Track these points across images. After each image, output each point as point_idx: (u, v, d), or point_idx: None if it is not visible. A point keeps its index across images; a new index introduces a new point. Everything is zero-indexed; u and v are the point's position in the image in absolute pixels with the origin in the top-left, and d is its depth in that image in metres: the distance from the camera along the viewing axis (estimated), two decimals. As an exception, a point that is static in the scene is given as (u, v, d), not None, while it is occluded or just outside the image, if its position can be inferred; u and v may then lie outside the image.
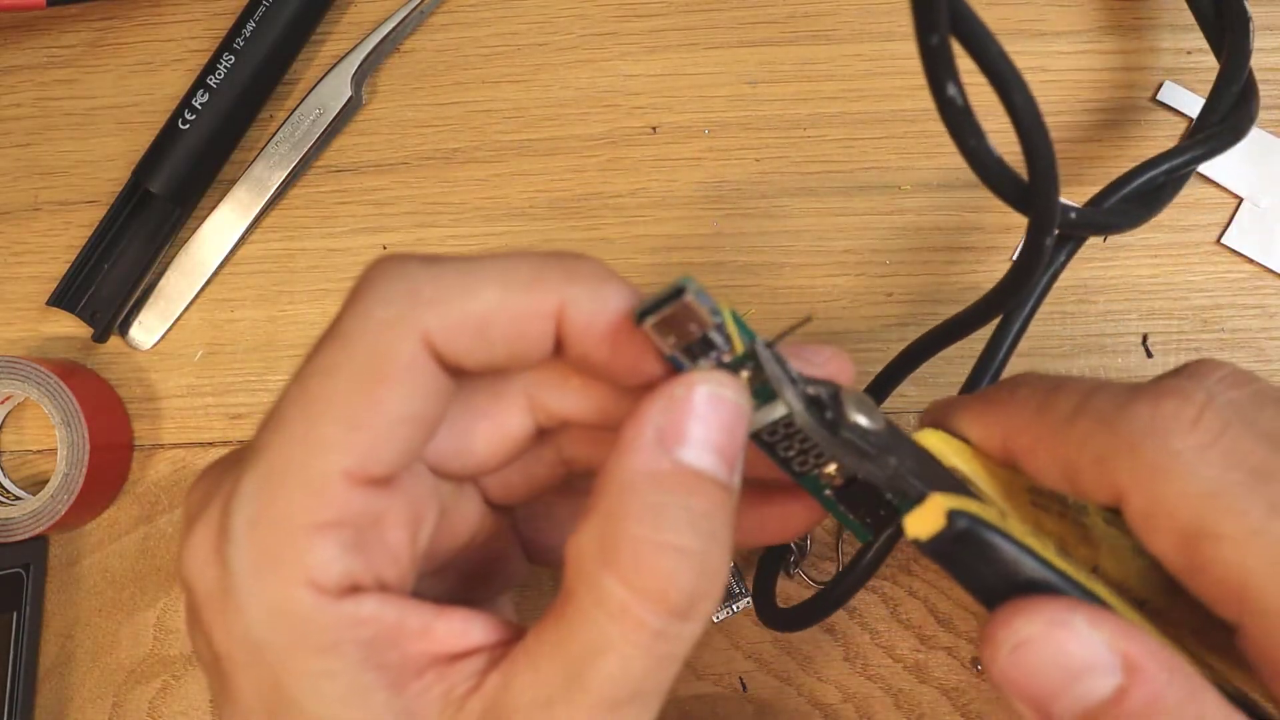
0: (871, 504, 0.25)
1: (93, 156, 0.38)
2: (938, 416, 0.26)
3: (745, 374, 0.22)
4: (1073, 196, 0.36)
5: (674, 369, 0.22)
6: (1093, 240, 0.36)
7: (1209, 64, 0.36)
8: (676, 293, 0.20)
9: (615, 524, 0.20)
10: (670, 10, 0.38)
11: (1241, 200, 0.36)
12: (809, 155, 0.37)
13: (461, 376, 0.22)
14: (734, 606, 0.36)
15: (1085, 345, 0.36)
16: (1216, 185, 0.36)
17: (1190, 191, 0.36)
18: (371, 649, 0.20)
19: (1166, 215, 0.36)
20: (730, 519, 0.21)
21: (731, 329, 0.22)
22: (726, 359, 0.22)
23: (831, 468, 0.24)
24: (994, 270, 0.37)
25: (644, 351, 0.22)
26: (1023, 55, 0.37)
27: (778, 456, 0.23)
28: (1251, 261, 0.36)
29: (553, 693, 0.20)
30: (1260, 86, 0.36)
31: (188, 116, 0.36)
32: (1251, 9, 0.36)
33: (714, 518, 0.21)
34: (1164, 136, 0.37)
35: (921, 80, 0.37)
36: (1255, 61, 0.36)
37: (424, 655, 0.21)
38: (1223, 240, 0.36)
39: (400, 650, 0.21)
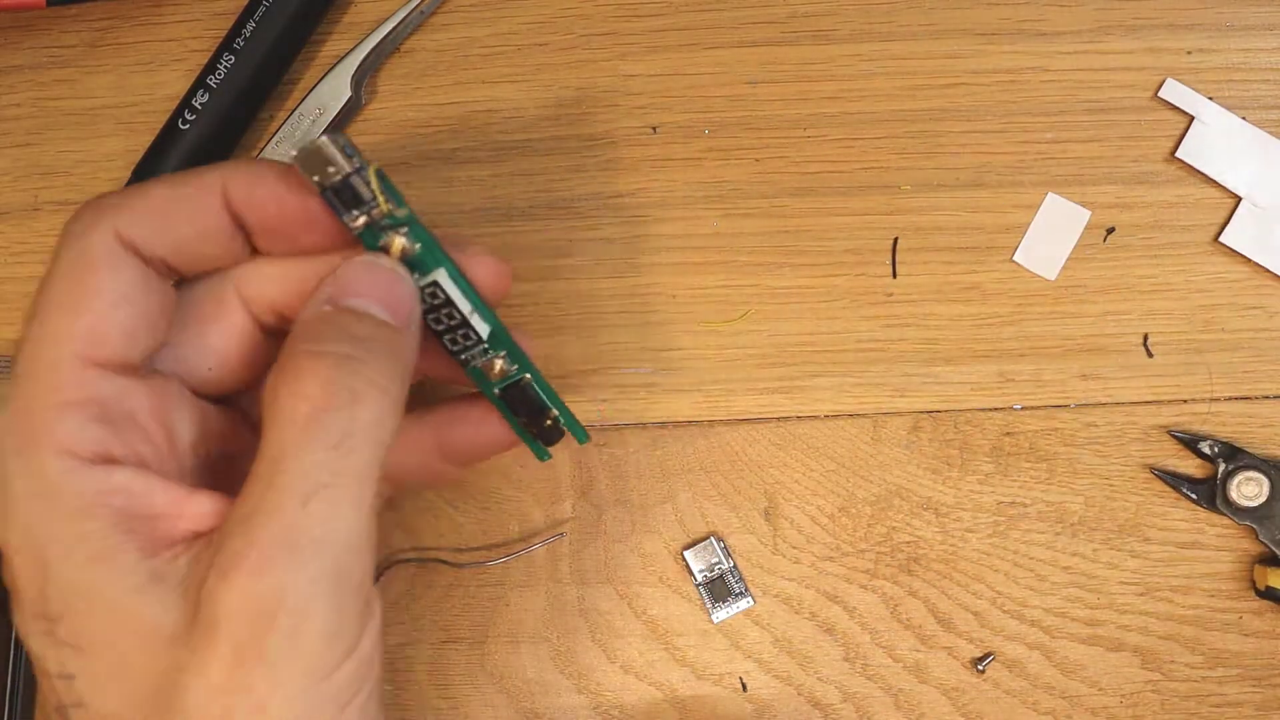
0: (534, 410, 0.30)
1: (93, 156, 0.38)
2: None
3: (401, 239, 0.27)
4: (1072, 197, 0.37)
5: (339, 223, 0.26)
6: (1093, 239, 0.37)
7: (1209, 64, 0.36)
8: (320, 139, 0.25)
9: (285, 353, 0.24)
10: (670, 10, 0.38)
11: (1240, 199, 0.36)
12: (809, 155, 0.37)
13: (173, 278, 0.26)
14: (734, 607, 0.36)
15: (1085, 345, 0.36)
16: (1216, 184, 0.36)
17: (1190, 191, 0.36)
18: (123, 516, 0.23)
19: (1167, 215, 0.36)
20: (392, 345, 0.25)
21: (375, 184, 0.26)
22: (377, 215, 0.26)
23: (498, 364, 0.29)
24: (994, 270, 0.37)
25: (307, 209, 0.26)
26: (1023, 55, 0.37)
27: (444, 344, 0.28)
28: (1250, 262, 0.36)
29: (249, 507, 0.23)
30: (1260, 86, 0.36)
31: (188, 116, 0.36)
32: (1252, 9, 0.36)
33: (369, 340, 0.24)
34: (1164, 136, 0.37)
35: (921, 80, 0.37)
36: (1255, 61, 0.36)
37: (175, 530, 0.24)
38: (1220, 239, 0.36)
39: (152, 522, 0.23)
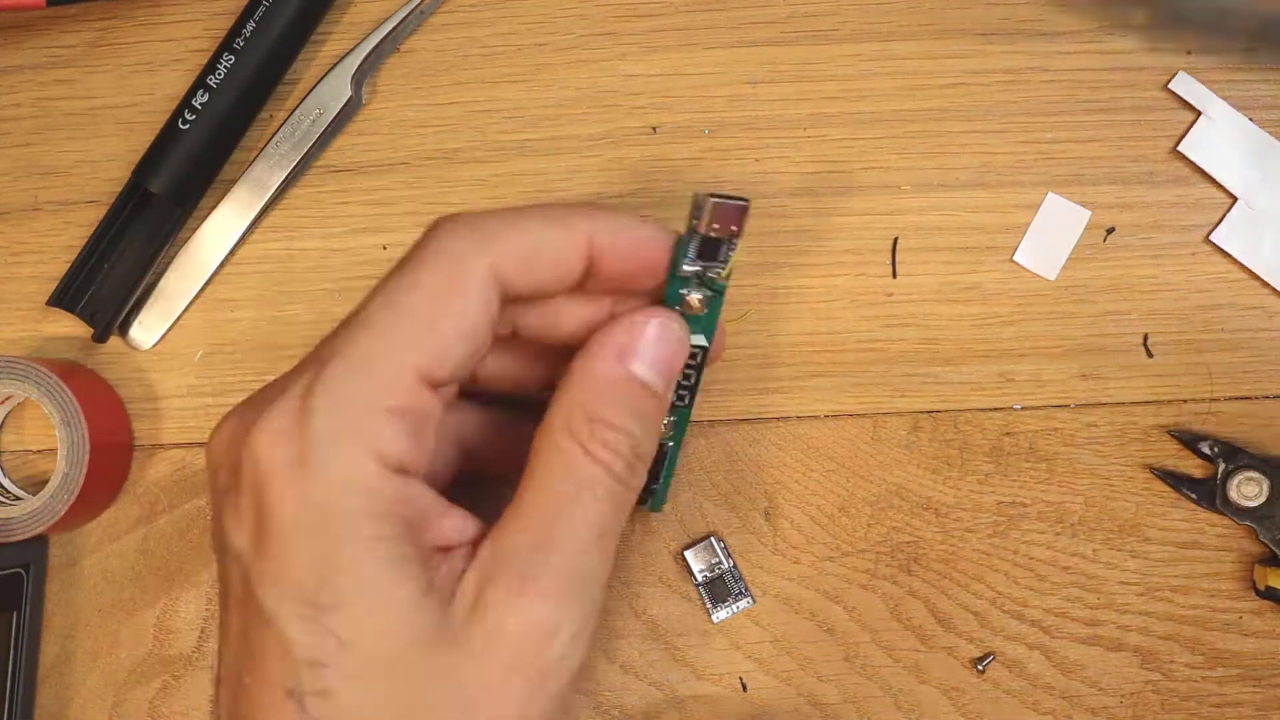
0: (653, 473, 0.32)
1: (93, 156, 0.38)
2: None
3: (698, 298, 0.29)
4: (1072, 197, 0.37)
5: (676, 281, 0.29)
6: (1093, 239, 0.37)
7: (1208, 64, 0.36)
8: (743, 200, 0.28)
9: (582, 407, 0.26)
10: (670, 10, 0.38)
11: (1236, 200, 0.36)
12: (809, 155, 0.37)
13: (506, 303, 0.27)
14: (734, 607, 0.36)
15: (1085, 345, 0.36)
16: (1217, 184, 0.36)
17: (1191, 191, 0.37)
18: (410, 526, 0.24)
19: (1167, 215, 0.36)
20: (659, 420, 0.28)
21: (733, 258, 0.29)
22: (713, 276, 0.29)
23: (663, 424, 0.31)
24: (994, 270, 0.37)
25: (658, 259, 0.28)
26: (1023, 55, 0.37)
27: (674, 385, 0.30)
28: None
29: (538, 538, 0.25)
30: (1261, 86, 0.36)
31: (188, 116, 0.36)
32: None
33: (649, 417, 0.27)
34: (1164, 137, 0.37)
35: (921, 80, 0.37)
36: (1255, 61, 0.36)
37: (436, 542, 0.25)
38: (1211, 237, 0.36)
39: (426, 534, 0.25)
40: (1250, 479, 0.35)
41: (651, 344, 0.28)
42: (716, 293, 0.30)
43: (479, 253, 0.26)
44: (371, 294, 0.26)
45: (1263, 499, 0.35)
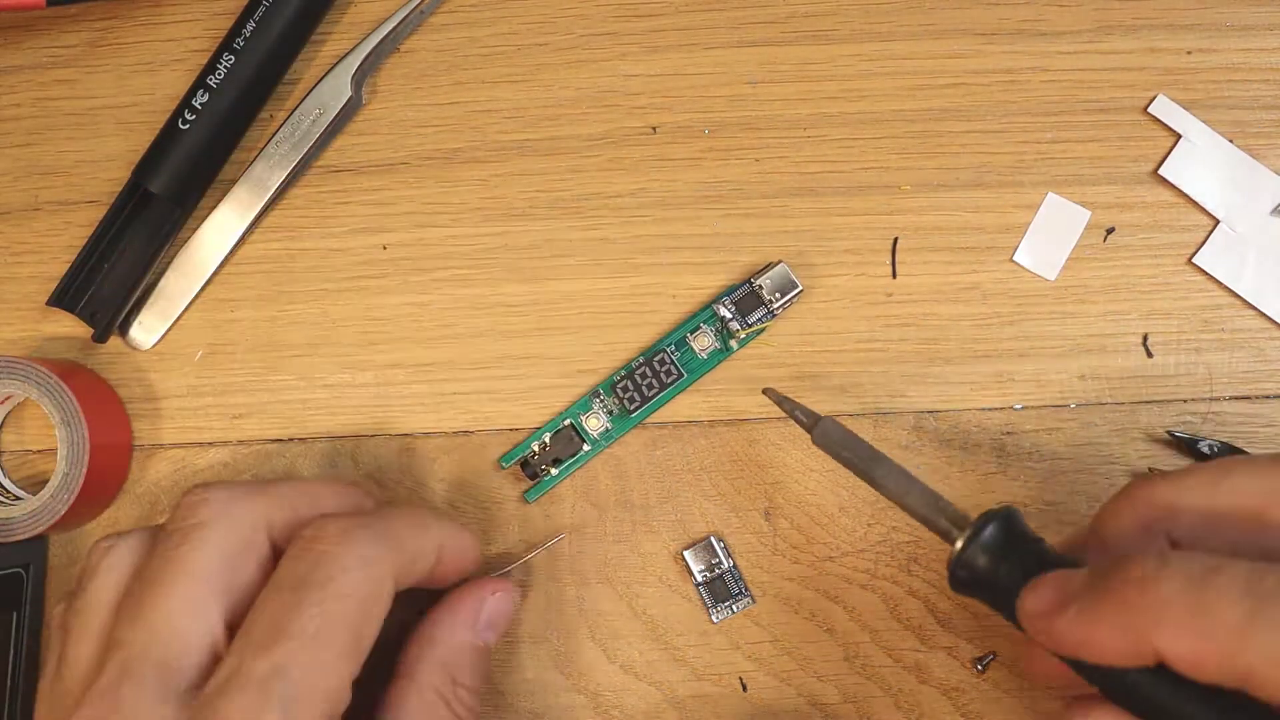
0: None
1: (93, 156, 0.38)
2: (1045, 623, 0.26)
3: (707, 346, 0.36)
4: (1072, 197, 0.37)
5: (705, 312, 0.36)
6: (1092, 239, 0.37)
7: (1209, 64, 0.37)
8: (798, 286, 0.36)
9: (446, 670, 0.31)
10: (670, 10, 0.38)
11: (1218, 222, 0.36)
12: (809, 155, 0.37)
13: None
14: (734, 606, 0.36)
15: (1085, 345, 0.36)
16: (1182, 208, 0.36)
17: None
18: None
19: (1167, 215, 0.36)
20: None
21: (758, 329, 0.36)
22: (736, 331, 0.36)
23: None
24: (994, 270, 0.37)
25: (470, 570, 0.33)
26: (1023, 55, 0.37)
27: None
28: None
29: None
30: (1260, 87, 0.36)
31: (188, 116, 0.36)
32: (1251, 9, 0.36)
33: (488, 672, 0.34)
34: (1164, 137, 0.37)
35: (921, 80, 0.37)
36: (1255, 61, 0.36)
37: None
38: (1194, 260, 0.36)
39: None
40: None
41: (497, 615, 0.33)
42: (722, 349, 0.35)
43: (387, 565, 0.28)
44: (287, 601, 0.27)
45: None
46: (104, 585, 0.28)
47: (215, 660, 0.27)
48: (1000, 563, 0.27)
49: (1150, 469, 0.36)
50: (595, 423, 0.36)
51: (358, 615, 0.27)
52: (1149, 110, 0.37)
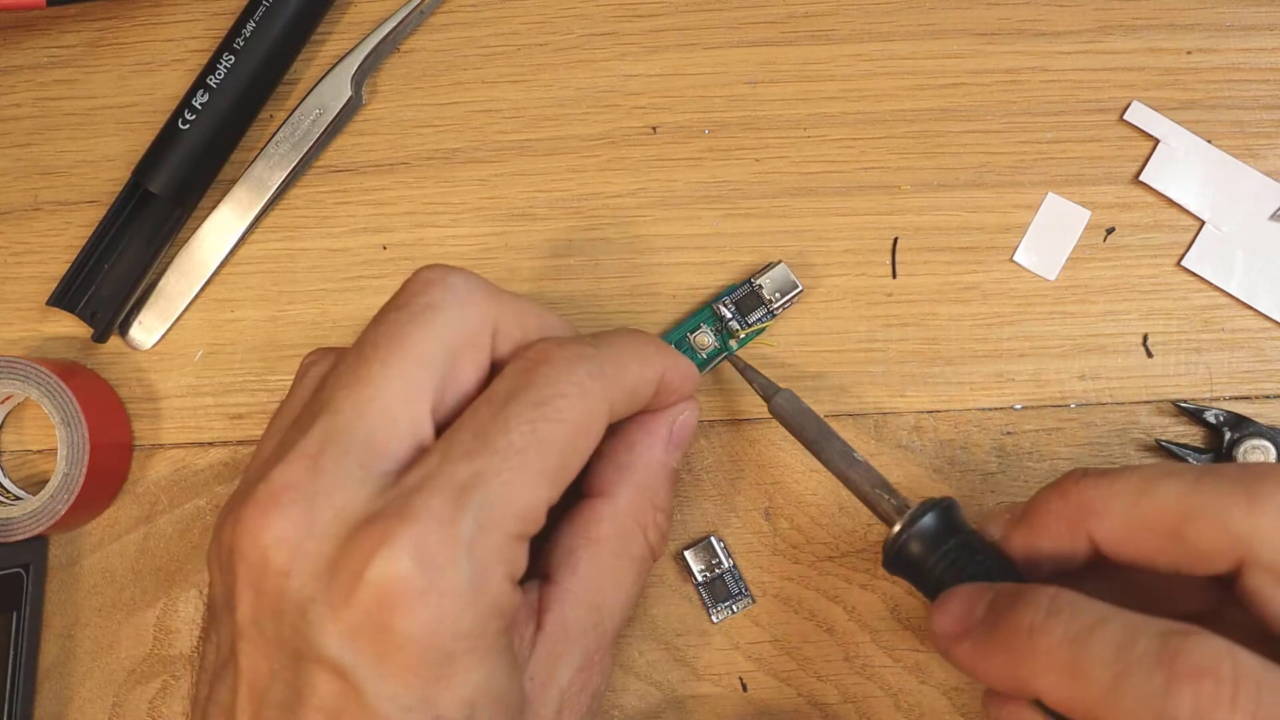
0: None
1: (93, 156, 0.38)
2: (946, 645, 0.28)
3: (708, 345, 0.36)
4: (1072, 198, 0.37)
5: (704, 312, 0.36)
6: (1092, 239, 0.37)
7: (1209, 64, 0.37)
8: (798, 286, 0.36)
9: (649, 496, 0.31)
10: (670, 10, 0.38)
11: (1203, 224, 0.36)
12: (809, 155, 0.37)
13: None
14: (734, 606, 0.36)
15: (1085, 345, 0.36)
16: (1179, 209, 0.36)
17: (1190, 191, 0.37)
18: (519, 627, 0.28)
19: (1166, 214, 0.37)
20: None
21: (757, 329, 0.36)
22: (734, 331, 0.36)
23: None
24: (994, 270, 0.37)
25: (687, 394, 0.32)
26: (1023, 55, 0.37)
27: None
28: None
29: (595, 613, 0.29)
30: (1260, 87, 0.36)
31: (188, 116, 0.36)
32: (1251, 9, 0.36)
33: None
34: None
35: (921, 80, 0.37)
36: (1255, 61, 0.36)
37: (511, 623, 0.27)
38: (1183, 263, 0.36)
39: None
40: (1256, 447, 0.35)
41: (686, 434, 0.32)
42: (722, 349, 0.36)
43: (605, 398, 0.27)
44: (498, 413, 0.26)
45: None
46: (314, 380, 0.28)
47: (417, 452, 0.26)
48: (931, 553, 0.29)
49: (1157, 441, 0.36)
50: None
51: (567, 441, 0.26)
52: (1124, 118, 0.36)
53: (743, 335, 0.35)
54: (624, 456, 0.31)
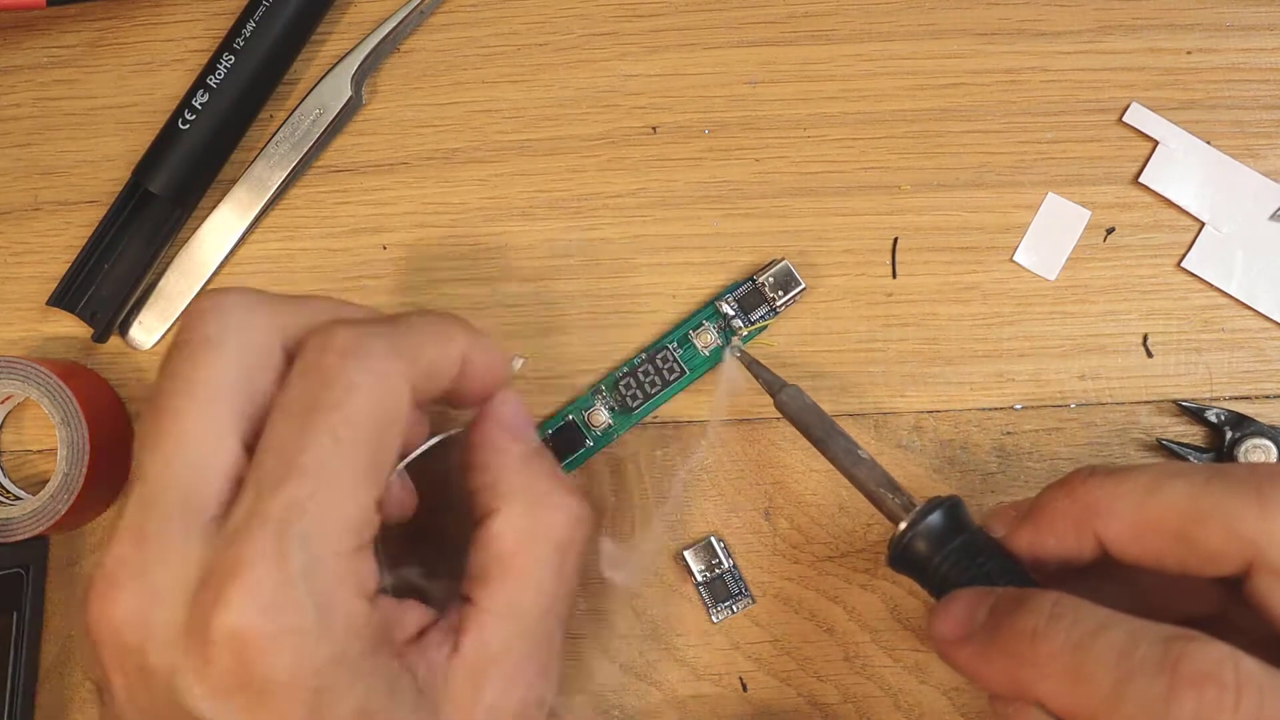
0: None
1: (93, 156, 0.38)
2: (945, 649, 0.28)
3: (709, 344, 0.36)
4: (1072, 198, 0.37)
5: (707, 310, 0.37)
6: (1092, 239, 0.37)
7: (1209, 64, 0.37)
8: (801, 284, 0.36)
9: (530, 493, 0.29)
10: (670, 10, 0.38)
11: (1203, 225, 0.36)
12: (809, 155, 0.37)
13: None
14: (734, 606, 0.36)
15: (1085, 345, 0.36)
16: (1179, 209, 0.36)
17: (1190, 191, 0.37)
18: (391, 642, 0.26)
19: (1166, 214, 0.37)
20: None
21: (760, 327, 0.37)
22: (736, 329, 0.36)
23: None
24: (994, 270, 0.37)
25: (497, 387, 0.30)
26: (1023, 55, 0.37)
27: None
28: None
29: (517, 628, 0.28)
30: (1260, 87, 0.37)
31: (188, 116, 0.36)
32: (1251, 9, 0.36)
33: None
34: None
35: (921, 80, 0.37)
36: (1254, 61, 0.37)
37: (403, 641, 0.27)
38: (1183, 265, 0.36)
39: (397, 640, 0.27)
40: (1258, 446, 0.35)
41: (521, 416, 0.31)
42: (722, 346, 0.36)
43: (403, 376, 0.26)
44: (295, 428, 0.25)
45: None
46: (195, 433, 0.26)
47: (237, 485, 0.25)
48: (936, 551, 0.29)
49: (1158, 440, 0.36)
50: (599, 419, 0.36)
51: (373, 438, 0.25)
52: (1124, 119, 0.37)
53: (745, 333, 0.35)
54: (485, 476, 0.29)
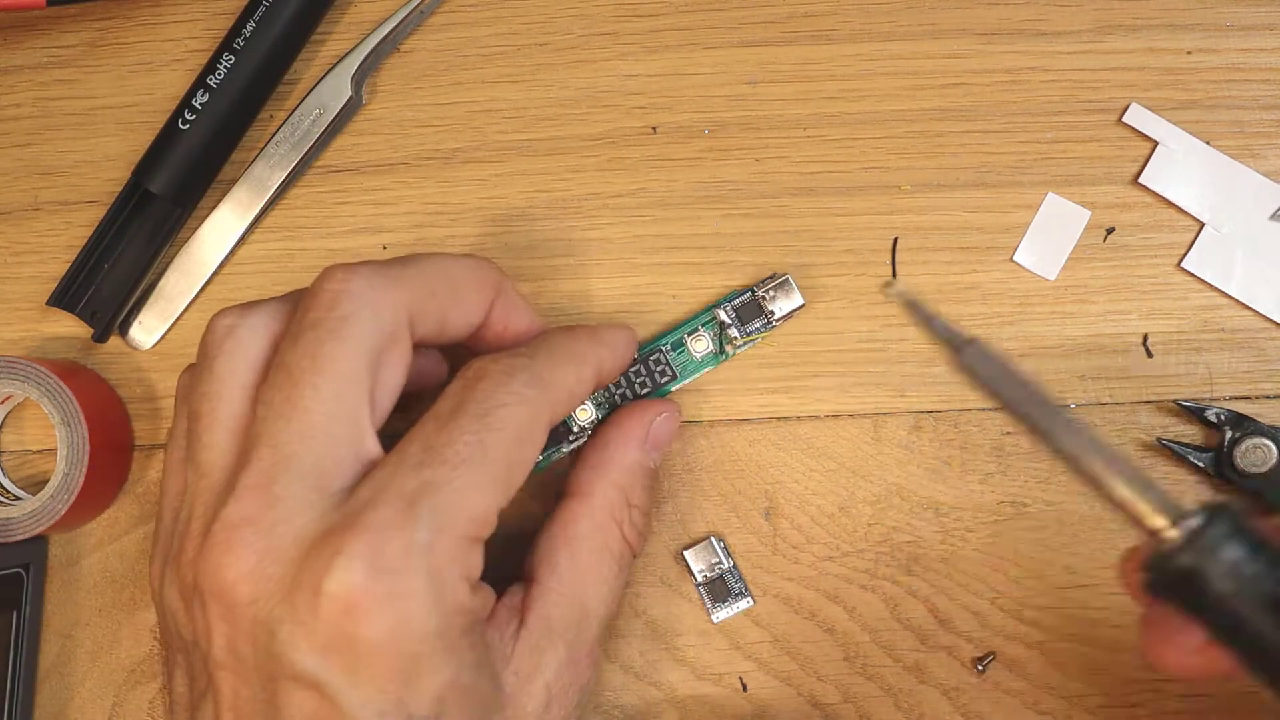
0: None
1: (93, 156, 0.39)
2: None
3: (703, 351, 0.37)
4: (1072, 198, 0.37)
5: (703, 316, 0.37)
6: (1092, 239, 0.37)
7: (1209, 64, 0.37)
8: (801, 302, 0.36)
9: (622, 492, 0.33)
10: (670, 10, 0.38)
11: (1203, 225, 0.36)
12: (809, 155, 0.37)
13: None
14: (734, 607, 0.36)
15: (1085, 345, 0.37)
16: (1179, 209, 0.37)
17: (1190, 191, 0.37)
18: (481, 622, 0.28)
19: (1166, 214, 0.37)
20: None
21: (755, 339, 0.37)
22: (731, 340, 0.36)
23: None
24: (994, 270, 0.37)
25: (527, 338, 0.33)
26: (1023, 55, 0.37)
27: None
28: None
29: (577, 610, 0.31)
30: (1260, 87, 0.37)
31: (188, 116, 0.36)
32: (1251, 9, 0.37)
33: (655, 496, 0.36)
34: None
35: (922, 80, 0.38)
36: (1255, 61, 0.37)
37: (484, 620, 0.29)
38: (1183, 265, 0.36)
39: (484, 620, 0.29)
40: (1258, 446, 0.35)
41: (664, 435, 0.34)
42: (715, 353, 0.36)
43: (544, 403, 0.29)
44: (444, 426, 0.27)
45: (1270, 465, 0.35)
46: (233, 369, 0.28)
47: (365, 466, 0.27)
48: (1236, 575, 0.23)
49: (1158, 439, 0.36)
50: (584, 414, 0.36)
51: (511, 448, 0.27)
52: (1124, 120, 0.37)
53: (740, 343, 0.36)
54: (599, 457, 0.33)
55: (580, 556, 0.32)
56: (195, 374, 0.29)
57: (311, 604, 0.25)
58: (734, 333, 0.36)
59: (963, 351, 0.25)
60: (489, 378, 0.28)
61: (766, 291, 0.36)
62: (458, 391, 0.28)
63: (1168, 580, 0.24)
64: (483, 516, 0.27)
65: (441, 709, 0.26)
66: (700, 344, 0.36)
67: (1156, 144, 0.37)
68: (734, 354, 0.36)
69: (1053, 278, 0.37)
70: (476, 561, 0.27)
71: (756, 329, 0.36)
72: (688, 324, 0.36)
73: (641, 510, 0.33)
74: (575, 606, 0.31)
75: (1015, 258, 0.37)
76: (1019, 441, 0.36)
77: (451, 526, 0.26)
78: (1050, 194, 0.37)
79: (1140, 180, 0.37)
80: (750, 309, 0.36)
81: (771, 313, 0.36)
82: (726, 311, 0.36)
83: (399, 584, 0.25)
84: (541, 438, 0.29)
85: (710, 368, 0.36)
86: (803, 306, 0.36)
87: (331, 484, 0.26)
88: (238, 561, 0.26)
